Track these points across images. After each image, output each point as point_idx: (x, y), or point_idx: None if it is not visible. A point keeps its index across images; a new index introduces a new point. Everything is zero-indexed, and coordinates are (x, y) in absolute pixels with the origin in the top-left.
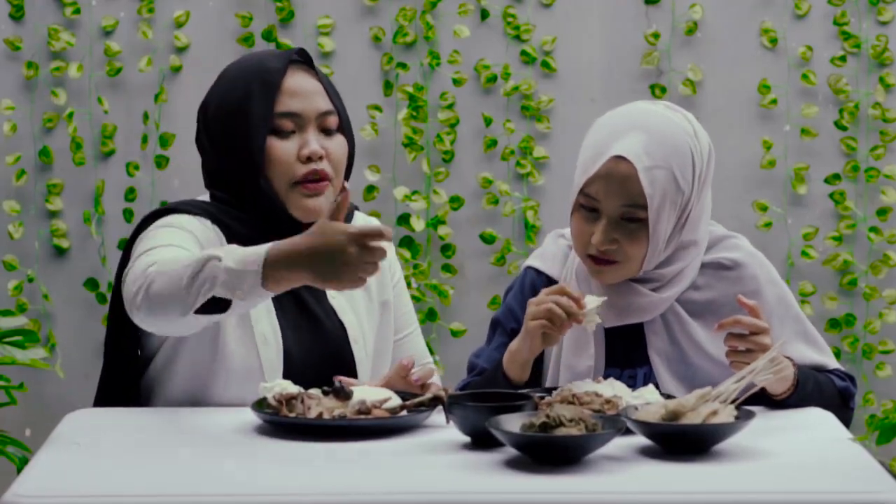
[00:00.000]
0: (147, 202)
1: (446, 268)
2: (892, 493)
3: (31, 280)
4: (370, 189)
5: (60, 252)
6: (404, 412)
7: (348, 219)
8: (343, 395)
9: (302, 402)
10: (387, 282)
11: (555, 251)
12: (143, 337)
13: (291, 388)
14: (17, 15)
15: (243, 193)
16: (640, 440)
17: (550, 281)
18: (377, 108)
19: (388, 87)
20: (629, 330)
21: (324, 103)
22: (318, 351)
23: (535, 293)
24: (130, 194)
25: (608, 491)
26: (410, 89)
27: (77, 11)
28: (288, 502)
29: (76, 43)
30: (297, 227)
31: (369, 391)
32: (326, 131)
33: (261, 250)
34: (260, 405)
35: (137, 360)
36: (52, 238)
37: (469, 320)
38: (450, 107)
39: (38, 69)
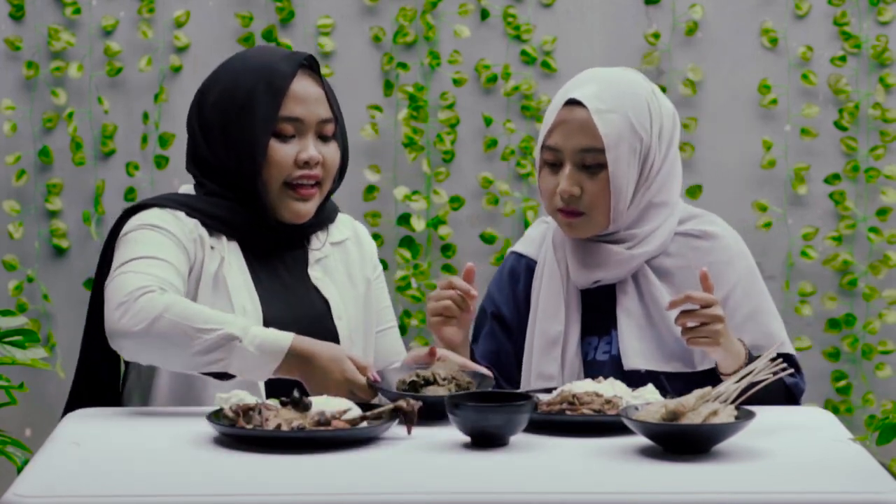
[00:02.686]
0: None
1: (447, 268)
2: (892, 493)
3: (30, 280)
4: (370, 189)
5: (60, 252)
6: (364, 423)
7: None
8: (302, 406)
9: (259, 413)
10: (367, 259)
11: (535, 234)
12: None
13: (249, 398)
14: (18, 15)
15: (234, 186)
16: (640, 440)
17: (530, 263)
18: (377, 108)
19: (388, 86)
20: (604, 296)
21: (325, 111)
22: (301, 328)
23: (513, 277)
24: (130, 194)
25: (608, 491)
26: (411, 89)
27: (77, 11)
28: (289, 501)
29: (76, 43)
30: (279, 225)
31: (330, 402)
32: (323, 137)
33: (283, 344)
34: (217, 416)
35: (118, 360)
36: (52, 238)
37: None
38: (450, 107)
39: (39, 69)
